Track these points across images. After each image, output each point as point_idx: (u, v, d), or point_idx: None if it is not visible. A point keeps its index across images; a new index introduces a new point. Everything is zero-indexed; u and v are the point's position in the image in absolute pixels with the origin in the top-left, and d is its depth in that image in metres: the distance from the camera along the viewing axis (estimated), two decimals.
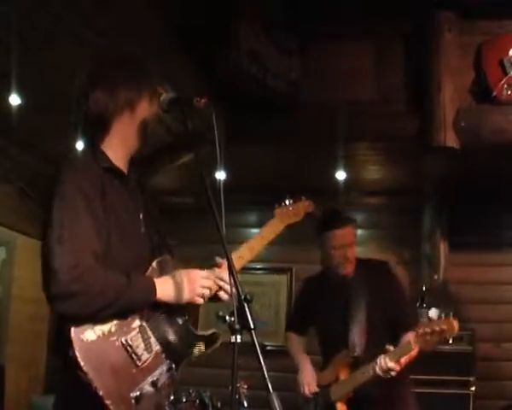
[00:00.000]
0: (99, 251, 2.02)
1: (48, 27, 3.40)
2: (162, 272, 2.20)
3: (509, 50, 4.79)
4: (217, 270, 2.31)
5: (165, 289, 2.12)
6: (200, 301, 2.22)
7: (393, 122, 5.02)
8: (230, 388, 2.01)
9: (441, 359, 5.18)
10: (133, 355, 2.01)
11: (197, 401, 4.11)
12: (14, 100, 4.15)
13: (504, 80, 4.72)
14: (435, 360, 4.90)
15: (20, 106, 4.23)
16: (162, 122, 4.20)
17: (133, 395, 1.98)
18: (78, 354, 1.91)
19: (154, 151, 4.66)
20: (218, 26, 4.52)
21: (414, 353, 3.21)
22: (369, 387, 3.29)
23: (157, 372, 2.06)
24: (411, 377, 3.64)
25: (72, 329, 1.93)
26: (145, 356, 2.05)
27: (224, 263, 2.27)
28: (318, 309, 3.67)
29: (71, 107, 2.24)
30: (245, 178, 5.85)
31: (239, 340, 1.91)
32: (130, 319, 2.05)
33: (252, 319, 1.89)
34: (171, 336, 2.16)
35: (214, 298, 2.33)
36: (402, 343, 3.25)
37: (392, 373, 3.19)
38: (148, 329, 2.09)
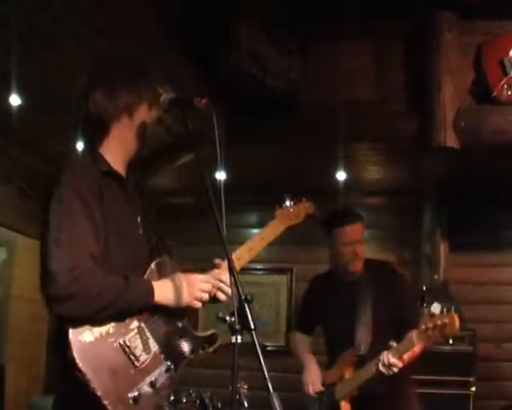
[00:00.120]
0: (97, 253, 2.02)
1: (48, 27, 3.40)
2: (161, 273, 2.21)
3: (509, 51, 4.79)
4: (215, 271, 2.31)
5: (163, 292, 2.12)
6: (199, 305, 2.22)
7: (393, 122, 5.02)
8: (231, 388, 2.02)
9: (441, 359, 5.19)
10: (131, 356, 2.02)
11: (197, 401, 4.11)
12: (15, 100, 4.15)
13: (504, 81, 4.72)
14: (435, 360, 4.91)
15: (20, 106, 4.23)
16: (162, 122, 4.19)
17: (131, 395, 1.98)
18: (75, 354, 1.91)
19: (154, 152, 4.66)
20: (218, 26, 4.52)
21: (417, 349, 3.22)
22: (373, 385, 3.30)
23: (155, 373, 2.06)
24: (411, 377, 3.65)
25: (70, 330, 1.93)
26: (143, 357, 2.05)
27: (223, 264, 2.28)
28: (325, 308, 3.68)
29: (71, 107, 2.24)
30: (245, 179, 5.85)
31: (239, 340, 1.91)
32: (128, 320, 2.05)
33: (252, 320, 1.89)
34: (170, 337, 2.16)
35: (213, 299, 2.33)
36: (404, 340, 3.25)
37: (395, 369, 3.19)
38: (146, 330, 2.09)
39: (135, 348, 2.03)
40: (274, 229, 2.63)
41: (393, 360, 3.18)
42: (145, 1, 3.74)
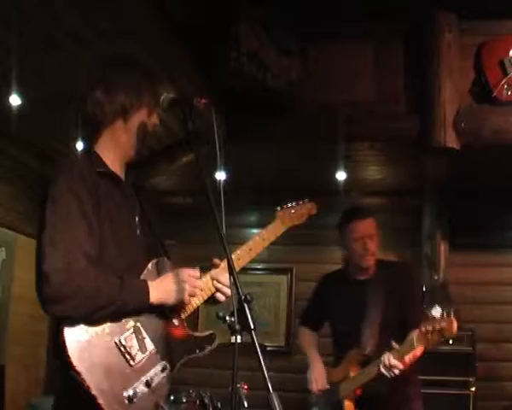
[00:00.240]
0: (92, 253, 2.02)
1: (48, 27, 3.40)
2: (160, 273, 2.21)
3: (509, 51, 4.79)
4: (213, 271, 2.31)
5: (159, 291, 2.12)
6: (195, 302, 2.21)
7: (393, 122, 5.02)
8: (230, 388, 2.02)
9: (441, 359, 5.18)
10: (127, 355, 2.02)
11: (197, 401, 4.11)
12: (15, 100, 4.15)
13: (504, 81, 4.72)
14: (435, 360, 4.90)
15: (20, 106, 4.23)
16: (162, 123, 4.20)
17: (126, 394, 1.99)
18: (70, 354, 1.92)
19: (154, 152, 4.66)
20: (218, 26, 4.51)
21: (418, 351, 3.22)
22: (377, 385, 3.31)
23: (151, 372, 2.07)
24: None
25: (66, 329, 1.94)
26: (139, 356, 2.05)
27: (221, 264, 2.28)
28: (334, 306, 3.68)
29: (73, 105, 2.25)
30: (245, 179, 5.85)
31: (239, 340, 1.91)
32: (124, 319, 2.06)
33: (252, 320, 1.89)
34: (166, 337, 2.16)
35: (212, 301, 2.33)
36: (405, 341, 3.25)
37: (396, 371, 3.20)
38: (142, 329, 2.10)
39: (130, 347, 2.04)
40: (275, 230, 2.62)
41: (394, 362, 3.19)
42: (145, 1, 3.74)
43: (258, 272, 6.54)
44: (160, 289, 2.13)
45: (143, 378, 2.04)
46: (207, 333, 2.25)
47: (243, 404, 3.94)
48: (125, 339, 2.04)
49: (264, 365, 1.81)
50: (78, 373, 1.91)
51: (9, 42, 3.42)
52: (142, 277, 2.15)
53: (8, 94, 4.05)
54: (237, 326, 1.91)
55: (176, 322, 2.22)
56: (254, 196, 6.44)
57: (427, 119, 4.87)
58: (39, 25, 3.36)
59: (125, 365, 2.02)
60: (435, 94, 4.84)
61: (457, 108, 4.83)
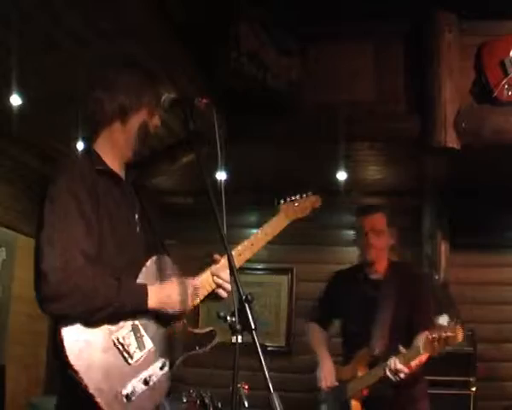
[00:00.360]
0: (89, 252, 2.03)
1: (48, 27, 3.40)
2: (159, 271, 2.21)
3: (509, 51, 4.79)
4: (213, 267, 2.31)
5: (159, 297, 2.12)
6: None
7: (394, 122, 5.02)
8: (231, 388, 2.01)
9: (441, 359, 5.16)
10: (124, 353, 2.02)
11: (198, 401, 4.12)
12: (15, 100, 4.15)
13: (505, 81, 4.72)
14: (435, 360, 4.89)
15: (20, 106, 4.23)
16: (163, 123, 4.19)
17: (124, 392, 1.99)
18: (68, 353, 1.93)
19: (155, 152, 4.66)
20: (218, 26, 4.51)
21: (423, 358, 3.24)
22: (384, 386, 3.31)
23: (150, 370, 2.07)
24: None
25: (63, 328, 1.95)
26: (137, 354, 2.05)
27: (222, 259, 2.28)
28: (345, 304, 3.68)
29: (74, 104, 2.25)
30: (245, 179, 5.85)
31: (240, 340, 1.91)
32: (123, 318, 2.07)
33: (252, 320, 1.89)
34: (165, 335, 2.16)
35: (213, 297, 2.33)
36: (412, 347, 3.26)
37: (401, 375, 3.22)
38: (141, 327, 2.10)
39: (129, 345, 2.04)
40: (278, 223, 2.60)
41: (400, 367, 3.20)
42: (145, 1, 3.74)
43: (259, 272, 6.53)
44: (160, 296, 2.12)
45: (142, 376, 2.04)
46: (207, 330, 2.25)
47: (244, 404, 3.94)
48: (123, 337, 2.04)
49: (265, 365, 1.81)
50: (76, 372, 1.92)
51: (9, 42, 3.42)
52: (141, 274, 2.15)
53: (9, 94, 4.05)
54: (238, 326, 1.90)
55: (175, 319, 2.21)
56: (254, 196, 6.44)
57: (428, 119, 4.87)
58: (39, 25, 3.36)
59: (123, 363, 2.02)
60: (435, 94, 4.84)
61: (458, 108, 4.83)
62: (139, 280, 2.15)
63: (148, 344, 2.10)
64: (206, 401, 4.14)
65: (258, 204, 6.53)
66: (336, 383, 3.57)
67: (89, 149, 2.23)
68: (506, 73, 4.75)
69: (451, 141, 4.80)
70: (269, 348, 6.18)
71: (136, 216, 2.25)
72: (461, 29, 4.93)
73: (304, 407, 5.26)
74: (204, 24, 4.39)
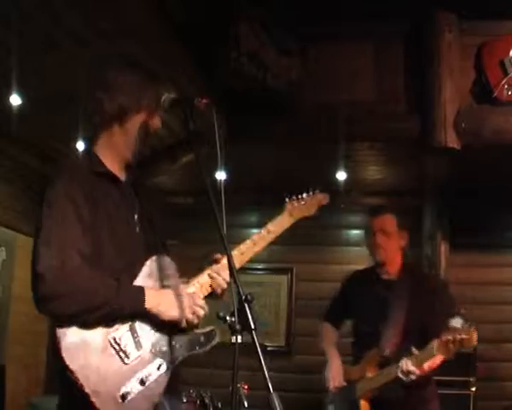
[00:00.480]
0: (86, 252, 2.04)
1: (48, 27, 3.40)
2: (159, 271, 2.21)
3: (509, 51, 4.79)
4: (214, 266, 2.30)
5: (157, 300, 2.11)
6: (193, 319, 2.19)
7: (394, 122, 5.01)
8: (231, 388, 2.01)
9: None
10: (121, 353, 2.03)
11: (197, 401, 4.12)
12: (15, 100, 4.15)
13: (505, 81, 4.72)
14: None
15: (20, 106, 4.23)
16: (163, 122, 4.19)
17: (120, 392, 1.99)
18: (64, 353, 1.94)
19: (155, 152, 4.66)
20: (218, 27, 4.51)
21: (437, 360, 3.24)
22: (394, 387, 3.32)
23: (146, 370, 2.07)
24: None
25: (60, 328, 1.96)
26: (134, 354, 2.06)
27: (223, 259, 2.27)
28: (357, 305, 3.69)
29: (74, 105, 2.25)
30: (245, 179, 5.85)
31: (239, 340, 1.91)
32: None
33: (252, 320, 1.88)
34: (164, 335, 2.15)
35: (212, 295, 2.32)
36: (425, 349, 3.26)
37: (413, 377, 3.22)
38: (138, 327, 2.10)
39: (125, 345, 2.04)
40: (282, 222, 2.58)
41: (412, 368, 3.21)
42: (145, 1, 3.74)
43: (259, 272, 6.53)
44: (158, 301, 2.11)
45: (138, 376, 2.04)
46: (208, 329, 2.24)
47: (243, 404, 3.94)
48: (120, 337, 2.04)
49: (265, 365, 1.81)
50: (72, 372, 1.93)
51: (9, 42, 3.42)
52: (140, 274, 2.15)
53: (9, 94, 4.05)
54: (238, 326, 1.90)
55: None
56: (255, 196, 6.44)
57: (428, 119, 4.87)
58: (39, 25, 3.36)
59: (119, 363, 2.02)
60: (435, 94, 4.84)
61: (458, 108, 4.83)
62: (138, 280, 2.14)
63: (146, 344, 2.09)
64: (206, 400, 4.14)
65: (258, 204, 6.54)
66: (344, 384, 3.58)
67: (89, 151, 2.24)
68: (506, 73, 4.74)
69: (451, 141, 4.80)
70: (268, 348, 6.17)
71: (136, 217, 2.25)
72: (461, 29, 4.93)
73: (304, 406, 5.26)
74: (204, 24, 4.39)
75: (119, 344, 2.03)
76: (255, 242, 2.45)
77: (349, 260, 6.58)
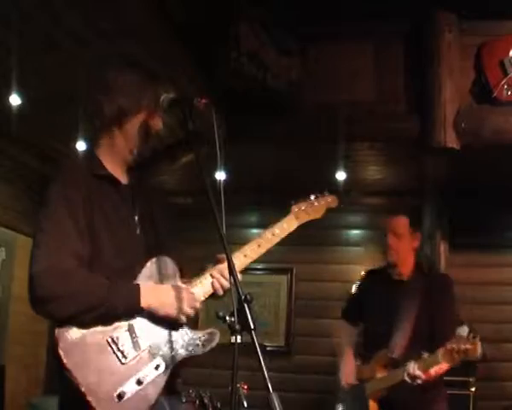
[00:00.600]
0: (82, 254, 2.05)
1: (48, 27, 3.40)
2: (159, 272, 2.20)
3: (509, 51, 4.79)
4: (217, 267, 2.29)
5: (153, 296, 2.11)
6: (183, 319, 2.19)
7: (393, 122, 5.02)
8: (230, 388, 2.01)
9: None
10: (118, 353, 2.03)
11: (197, 401, 4.12)
12: (15, 100, 4.15)
13: (505, 81, 4.72)
14: None
15: (20, 106, 4.23)
16: (163, 123, 4.20)
17: (116, 392, 1.99)
18: (61, 352, 1.95)
19: (154, 152, 4.65)
20: (218, 26, 4.51)
21: (443, 366, 3.23)
22: (402, 389, 3.32)
23: (144, 371, 2.07)
24: None
25: (59, 328, 1.97)
26: (132, 354, 2.06)
27: (225, 260, 2.26)
28: (370, 303, 3.71)
29: (75, 106, 2.26)
30: (245, 179, 5.85)
31: (239, 340, 1.91)
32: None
33: (252, 320, 1.88)
34: (163, 335, 2.15)
35: (214, 295, 2.31)
36: (432, 354, 3.26)
37: (418, 381, 3.23)
38: (137, 327, 2.10)
39: (123, 345, 2.05)
40: (287, 225, 2.53)
41: (418, 373, 3.22)
42: (145, 1, 3.74)
43: (258, 272, 6.53)
44: (154, 297, 2.11)
45: (135, 376, 2.04)
46: (208, 331, 2.24)
47: (243, 404, 3.94)
48: (118, 337, 2.05)
49: (264, 365, 1.81)
50: (68, 370, 1.94)
51: (9, 42, 3.42)
52: (140, 275, 2.15)
53: (8, 94, 4.05)
54: (237, 326, 1.90)
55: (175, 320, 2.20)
56: (254, 196, 6.44)
57: (428, 119, 4.87)
58: (39, 25, 3.36)
59: (116, 363, 2.03)
60: (435, 94, 4.84)
61: (457, 108, 4.83)
62: (138, 282, 2.14)
63: (144, 344, 2.09)
64: (206, 401, 4.14)
65: (258, 204, 6.54)
66: (356, 382, 3.60)
67: (90, 153, 2.25)
68: (506, 73, 4.74)
69: (451, 141, 4.80)
70: (268, 348, 6.17)
71: (137, 218, 2.24)
72: (461, 29, 4.93)
73: (303, 407, 5.27)
74: (204, 24, 4.39)
75: (116, 344, 2.03)
76: (259, 244, 2.42)
77: (349, 260, 6.59)
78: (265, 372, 1.80)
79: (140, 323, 2.11)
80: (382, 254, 3.74)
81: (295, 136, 5.15)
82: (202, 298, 2.26)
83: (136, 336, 2.08)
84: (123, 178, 2.27)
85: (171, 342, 2.15)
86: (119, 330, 2.06)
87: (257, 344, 1.83)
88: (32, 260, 1.99)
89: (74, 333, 1.99)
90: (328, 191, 2.79)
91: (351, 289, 6.38)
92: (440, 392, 3.55)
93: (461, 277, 6.19)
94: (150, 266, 2.19)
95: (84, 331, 2.00)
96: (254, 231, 6.37)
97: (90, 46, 3.51)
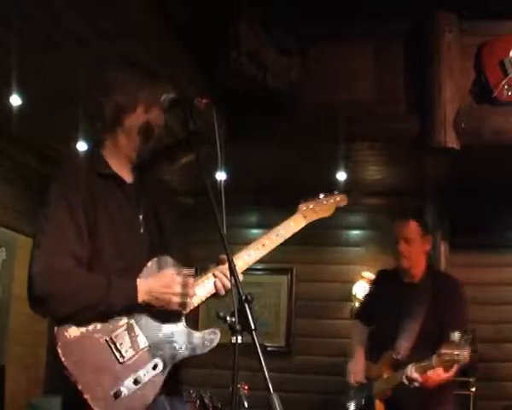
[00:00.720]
0: (81, 254, 2.06)
1: (48, 27, 3.40)
2: (160, 271, 2.19)
3: (509, 51, 4.79)
4: (219, 266, 2.28)
5: (151, 290, 2.10)
6: (196, 301, 2.19)
7: (393, 122, 5.01)
8: (231, 388, 2.01)
9: None
10: (116, 352, 2.04)
11: (197, 401, 4.12)
12: (15, 100, 4.15)
13: (505, 81, 4.72)
14: None
15: (20, 106, 4.23)
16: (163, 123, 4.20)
17: (113, 390, 2.01)
18: (59, 349, 1.97)
19: (154, 152, 4.65)
20: (218, 27, 4.51)
21: (439, 372, 3.22)
22: (409, 391, 3.32)
23: (142, 370, 2.07)
24: None
25: (58, 326, 2.00)
26: (130, 353, 2.06)
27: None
28: (380, 304, 3.72)
29: (76, 107, 2.26)
30: (245, 179, 5.84)
31: (240, 341, 1.91)
32: (118, 317, 2.08)
33: (252, 320, 1.88)
34: (162, 335, 2.15)
35: (216, 295, 2.31)
36: (428, 359, 3.26)
37: (416, 384, 3.24)
38: (136, 326, 2.10)
39: (121, 344, 2.06)
40: (294, 224, 2.50)
41: (415, 376, 3.23)
42: (145, 1, 3.74)
43: (259, 273, 6.52)
44: (152, 289, 2.11)
45: (133, 376, 2.05)
46: (209, 331, 2.23)
47: (243, 404, 3.95)
48: (116, 336, 2.06)
49: (265, 365, 1.81)
50: (66, 368, 1.96)
51: (9, 42, 3.42)
52: (141, 275, 2.15)
53: (9, 94, 4.05)
54: (238, 326, 1.90)
55: (174, 319, 2.19)
56: (255, 196, 6.44)
57: (428, 119, 4.87)
58: (39, 25, 3.36)
59: (114, 361, 2.04)
60: (435, 94, 4.84)
61: (458, 108, 4.83)
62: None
63: (142, 344, 2.10)
64: (206, 401, 4.14)
65: (258, 204, 6.54)
66: (364, 381, 3.62)
67: (95, 153, 2.26)
68: (506, 73, 4.74)
69: (451, 141, 4.80)
70: (268, 349, 6.17)
71: (141, 217, 2.24)
72: (461, 29, 4.93)
73: (304, 407, 5.26)
74: (204, 24, 4.39)
75: (114, 343, 2.05)
76: (264, 244, 2.40)
77: (349, 260, 6.59)
78: (266, 373, 1.80)
79: (140, 322, 2.11)
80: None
81: (295, 136, 5.14)
82: (204, 298, 2.26)
83: (135, 335, 2.09)
84: (128, 177, 2.27)
85: (171, 341, 2.15)
86: (118, 329, 2.07)
87: (257, 344, 1.83)
88: (31, 260, 2.02)
89: (73, 332, 2.01)
90: (337, 191, 2.77)
91: (351, 289, 6.40)
92: (447, 395, 3.55)
93: (461, 277, 6.13)
94: (151, 266, 2.19)
95: (83, 330, 2.02)
96: (254, 231, 6.38)
97: (90, 46, 3.51)
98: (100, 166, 2.20)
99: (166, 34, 4.05)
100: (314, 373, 6.33)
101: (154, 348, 2.11)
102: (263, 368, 1.80)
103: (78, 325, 2.01)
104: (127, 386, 2.03)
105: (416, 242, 3.59)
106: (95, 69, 2.31)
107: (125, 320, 2.09)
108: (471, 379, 5.34)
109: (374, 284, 3.98)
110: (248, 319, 1.88)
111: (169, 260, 2.24)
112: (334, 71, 5.14)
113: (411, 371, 3.24)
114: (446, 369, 3.20)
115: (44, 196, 2.09)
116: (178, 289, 2.13)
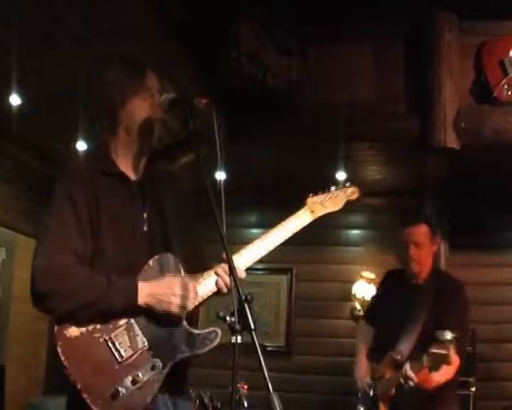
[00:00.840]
0: (83, 252, 2.08)
1: (48, 27, 3.40)
2: (162, 270, 2.20)
3: (509, 51, 4.79)
4: (221, 265, 2.27)
5: (149, 295, 2.10)
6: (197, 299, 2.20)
7: (393, 122, 5.01)
8: (230, 388, 2.01)
9: None
10: (115, 352, 2.05)
11: (197, 401, 4.12)
12: (15, 100, 4.15)
13: (505, 81, 4.72)
14: None
15: (20, 106, 4.23)
16: (163, 123, 4.20)
17: (111, 390, 2.01)
18: (59, 349, 1.98)
19: (154, 151, 4.65)
20: (218, 27, 4.52)
21: (426, 371, 3.20)
22: (411, 391, 3.30)
23: (141, 370, 2.07)
24: None
25: (58, 325, 2.01)
26: (128, 353, 2.07)
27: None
28: (385, 305, 3.72)
29: (77, 107, 2.27)
30: (245, 179, 5.84)
31: (239, 340, 1.91)
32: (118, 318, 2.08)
33: (252, 320, 1.88)
34: (162, 335, 2.14)
35: (217, 293, 2.31)
36: (421, 358, 3.25)
37: (411, 383, 3.23)
38: (135, 326, 2.10)
39: (120, 343, 2.06)
40: (300, 219, 2.45)
41: (410, 374, 3.22)
42: (145, 1, 3.74)
43: (258, 272, 6.51)
44: (153, 292, 2.10)
45: (131, 375, 2.05)
46: (209, 330, 2.23)
47: (243, 404, 3.94)
48: (116, 335, 2.06)
49: (265, 365, 1.81)
50: (65, 367, 1.97)
51: (9, 42, 3.42)
52: (142, 273, 2.15)
53: (8, 94, 4.05)
54: (237, 326, 1.90)
55: (174, 319, 2.18)
56: (254, 196, 6.44)
57: (428, 119, 4.87)
58: (39, 25, 3.36)
59: (113, 361, 2.04)
60: (435, 94, 4.84)
61: (457, 108, 4.83)
62: (139, 279, 2.14)
63: (142, 344, 2.10)
64: (206, 401, 4.14)
65: (258, 204, 6.54)
66: (370, 381, 3.62)
67: (100, 151, 2.27)
68: (506, 73, 4.74)
69: (451, 141, 4.80)
70: (268, 349, 6.16)
71: (145, 215, 2.24)
72: (461, 29, 4.93)
73: (304, 407, 5.26)
74: (204, 24, 4.40)
75: (113, 343, 2.05)
76: (268, 239, 2.36)
77: (349, 260, 6.59)
78: (266, 372, 1.80)
79: (139, 321, 2.11)
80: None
81: (295, 136, 5.15)
82: (206, 296, 2.25)
83: (134, 334, 2.09)
84: (134, 175, 2.27)
85: (170, 341, 2.15)
86: (117, 328, 2.07)
87: (257, 344, 1.83)
88: (33, 257, 2.04)
89: (73, 331, 2.02)
90: (349, 183, 2.69)
91: (351, 289, 6.40)
92: (450, 395, 3.54)
93: (461, 277, 6.14)
94: (152, 264, 2.18)
95: (83, 330, 2.03)
96: (254, 230, 6.37)
97: (90, 46, 3.51)
98: (105, 165, 2.20)
99: (166, 34, 4.05)
100: (314, 373, 6.33)
101: (154, 348, 2.11)
102: (262, 368, 1.80)
103: (79, 325, 2.02)
104: (125, 386, 2.03)
105: (426, 245, 3.58)
106: (95, 69, 2.31)
107: (124, 320, 2.09)
108: (471, 379, 5.34)
109: (381, 285, 3.97)
110: (248, 319, 1.88)
111: (171, 258, 2.22)
112: (334, 71, 5.14)
113: (407, 369, 3.24)
114: (433, 367, 3.19)
115: (49, 196, 2.11)
116: (180, 292, 2.12)
